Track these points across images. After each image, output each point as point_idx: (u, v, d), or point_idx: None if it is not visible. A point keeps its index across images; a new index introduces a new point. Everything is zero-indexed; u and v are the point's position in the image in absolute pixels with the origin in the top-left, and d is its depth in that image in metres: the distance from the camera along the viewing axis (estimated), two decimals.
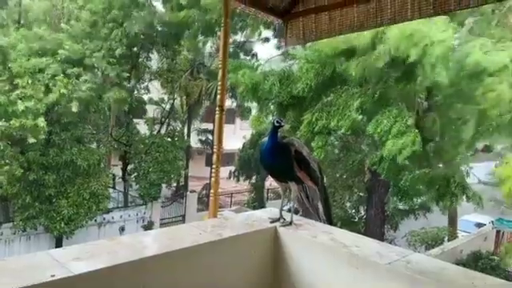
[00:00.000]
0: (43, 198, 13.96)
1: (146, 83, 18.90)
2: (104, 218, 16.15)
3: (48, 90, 13.03)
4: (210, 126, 21.35)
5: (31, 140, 12.53)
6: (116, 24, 15.06)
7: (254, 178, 19.89)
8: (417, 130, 8.52)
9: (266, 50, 18.36)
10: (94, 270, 1.63)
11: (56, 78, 13.11)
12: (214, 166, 2.54)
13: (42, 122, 12.51)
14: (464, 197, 10.12)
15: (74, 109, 13.13)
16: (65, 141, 14.13)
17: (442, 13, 2.27)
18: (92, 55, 14.23)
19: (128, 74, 15.91)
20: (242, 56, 18.45)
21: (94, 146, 17.12)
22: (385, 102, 9.25)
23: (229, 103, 15.82)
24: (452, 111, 8.74)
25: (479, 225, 16.84)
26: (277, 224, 2.36)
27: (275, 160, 2.40)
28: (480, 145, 12.83)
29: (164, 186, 19.08)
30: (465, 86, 8.28)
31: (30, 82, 12.74)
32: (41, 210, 13.89)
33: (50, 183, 13.77)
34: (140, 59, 17.72)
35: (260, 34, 17.43)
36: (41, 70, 13.31)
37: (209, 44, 18.50)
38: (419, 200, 12.50)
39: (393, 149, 8.38)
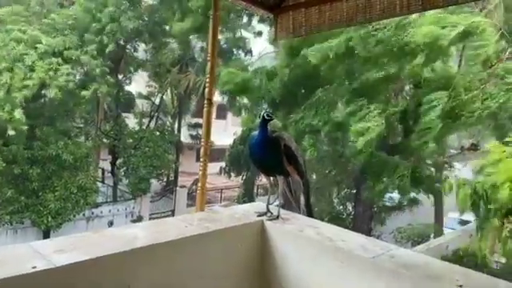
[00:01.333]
0: (29, 191, 13.78)
1: (134, 76, 18.71)
2: (92, 213, 16.03)
3: (26, 79, 12.76)
4: (201, 121, 21.17)
5: (11, 132, 12.19)
6: (109, 19, 14.82)
7: (244, 173, 19.88)
8: (383, 122, 8.60)
9: (261, 44, 18.21)
10: (77, 262, 1.61)
11: (35, 64, 12.84)
12: (201, 160, 2.53)
13: (18, 114, 12.12)
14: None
15: (53, 95, 12.80)
16: (50, 134, 13.94)
17: (430, 8, 2.28)
18: (78, 48, 14.00)
19: (107, 69, 15.64)
20: (235, 52, 18.35)
21: (82, 139, 16.95)
22: (361, 93, 9.31)
23: (220, 99, 15.72)
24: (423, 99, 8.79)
25: (464, 222, 17.10)
26: (264, 218, 2.36)
27: (265, 154, 2.39)
28: (466, 143, 13.00)
29: (155, 180, 18.99)
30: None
31: (6, 66, 12.42)
32: (27, 204, 13.72)
33: (36, 177, 13.59)
34: (127, 51, 17.53)
35: (244, 27, 17.25)
36: (20, 60, 13.05)
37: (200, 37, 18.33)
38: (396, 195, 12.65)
39: (354, 133, 8.52)
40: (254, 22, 17.35)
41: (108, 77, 15.25)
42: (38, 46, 13.17)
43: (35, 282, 1.51)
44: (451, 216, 17.39)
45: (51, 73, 12.90)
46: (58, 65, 13.26)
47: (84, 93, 13.97)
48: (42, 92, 13.16)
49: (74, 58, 13.79)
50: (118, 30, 14.69)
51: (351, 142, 10.39)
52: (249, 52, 18.50)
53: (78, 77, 15.05)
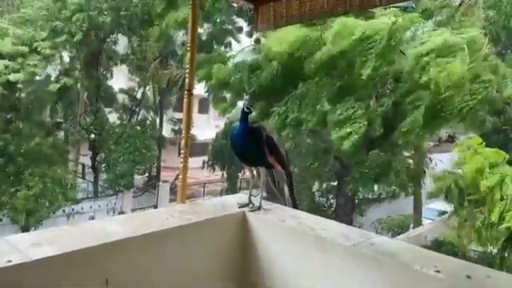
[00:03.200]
0: (5, 187, 13.41)
1: (115, 71, 18.34)
2: (73, 209, 15.71)
3: None
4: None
5: None
6: (78, 7, 14.42)
7: (227, 167, 19.87)
8: (366, 122, 8.70)
9: (242, 39, 18.08)
10: (54, 256, 1.58)
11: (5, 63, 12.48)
12: (182, 152, 2.50)
13: None
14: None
15: (20, 82, 12.45)
16: (27, 128, 13.58)
17: None
18: (51, 40, 13.62)
19: (82, 61, 15.29)
20: (215, 46, 18.17)
21: (61, 134, 16.58)
22: (346, 92, 9.37)
23: (202, 92, 15.53)
24: (407, 98, 8.90)
25: (442, 212, 17.56)
26: (246, 209, 2.36)
27: (247, 145, 2.38)
28: (444, 135, 13.32)
29: (138, 175, 18.76)
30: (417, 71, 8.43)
31: None
32: (3, 200, 13.35)
33: (13, 172, 13.23)
34: (107, 45, 17.15)
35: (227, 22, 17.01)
36: None
37: (181, 32, 18.07)
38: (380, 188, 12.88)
39: (337, 137, 8.58)
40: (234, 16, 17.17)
41: (79, 70, 14.88)
42: (5, 37, 12.78)
43: (10, 276, 1.48)
44: (429, 207, 17.82)
45: (19, 59, 12.49)
46: (24, 56, 12.86)
47: (52, 86, 13.58)
48: (15, 83, 12.68)
49: (43, 50, 13.36)
50: (87, 20, 14.29)
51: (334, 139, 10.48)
52: (228, 45, 18.35)
53: (53, 71, 14.64)
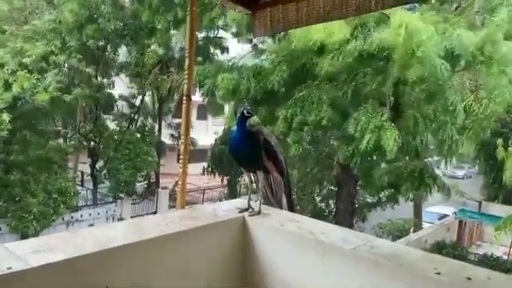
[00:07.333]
0: (6, 196, 13.37)
1: (114, 78, 18.36)
2: (72, 217, 15.65)
3: (8, 85, 12.45)
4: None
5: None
6: (85, 20, 14.51)
7: (227, 173, 19.85)
8: (393, 125, 8.65)
9: (238, 45, 18.15)
10: (54, 262, 1.58)
11: (17, 73, 12.53)
12: (181, 157, 2.50)
13: (7, 116, 12.04)
14: (435, 188, 10.60)
15: (41, 101, 12.56)
16: (30, 137, 13.58)
17: (404, 3, 2.33)
18: (58, 52, 13.70)
19: (93, 70, 15.38)
20: (211, 50, 18.28)
21: (60, 142, 16.58)
22: (359, 99, 9.35)
23: (198, 98, 15.51)
24: (436, 107, 8.89)
25: (442, 216, 17.57)
26: (245, 214, 2.36)
27: (244, 149, 2.37)
28: None
29: (137, 182, 18.73)
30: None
31: None
32: (6, 209, 13.31)
33: (15, 181, 13.20)
34: (107, 53, 17.19)
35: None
36: (1, 65, 12.72)
37: (179, 37, 18.13)
38: (387, 192, 12.88)
39: (370, 143, 8.48)
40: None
41: (93, 80, 14.97)
42: (21, 56, 12.89)
43: (11, 283, 1.47)
44: (430, 210, 17.82)
45: (34, 81, 12.63)
46: (40, 72, 12.98)
47: (67, 97, 13.65)
48: (26, 99, 12.84)
49: (59, 62, 13.50)
50: (97, 32, 14.41)
51: (335, 141, 10.42)
52: (225, 50, 18.41)
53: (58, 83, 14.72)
